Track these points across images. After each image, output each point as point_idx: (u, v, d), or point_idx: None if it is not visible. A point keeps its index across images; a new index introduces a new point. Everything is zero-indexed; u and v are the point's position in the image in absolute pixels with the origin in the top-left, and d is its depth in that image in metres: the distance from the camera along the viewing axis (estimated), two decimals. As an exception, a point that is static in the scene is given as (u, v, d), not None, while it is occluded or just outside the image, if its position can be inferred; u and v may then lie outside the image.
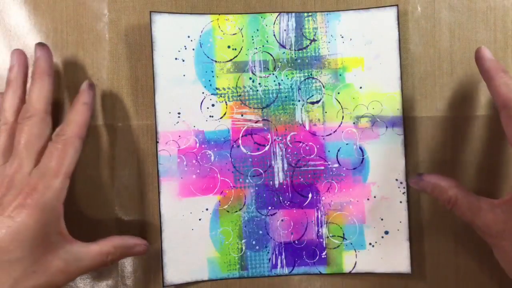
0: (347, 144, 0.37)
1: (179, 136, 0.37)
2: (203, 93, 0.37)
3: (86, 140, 0.37)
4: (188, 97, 0.37)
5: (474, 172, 0.38)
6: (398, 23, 0.37)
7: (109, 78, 0.37)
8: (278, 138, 0.37)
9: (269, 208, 0.37)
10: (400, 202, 0.37)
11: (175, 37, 0.37)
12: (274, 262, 0.37)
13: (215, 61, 0.37)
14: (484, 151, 0.37)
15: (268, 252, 0.37)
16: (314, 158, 0.37)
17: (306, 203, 0.37)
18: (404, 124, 0.37)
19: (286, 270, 0.37)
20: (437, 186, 0.34)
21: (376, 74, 0.37)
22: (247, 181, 0.37)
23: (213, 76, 0.37)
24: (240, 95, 0.37)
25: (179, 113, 0.37)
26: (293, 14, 0.37)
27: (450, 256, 0.38)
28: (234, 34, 0.37)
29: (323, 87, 0.37)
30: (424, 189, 0.35)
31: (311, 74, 0.37)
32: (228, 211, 0.37)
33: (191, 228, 0.37)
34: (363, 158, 0.37)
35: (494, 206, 0.32)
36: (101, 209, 0.37)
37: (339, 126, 0.37)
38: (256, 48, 0.37)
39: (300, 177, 0.37)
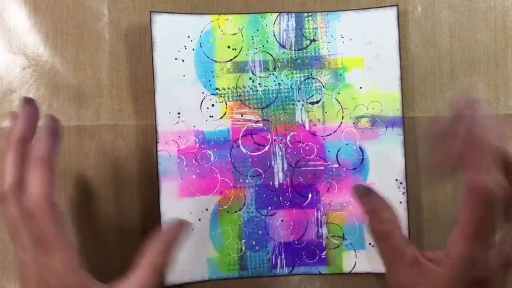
0: (347, 144, 0.37)
1: (179, 136, 0.37)
2: (203, 93, 0.37)
3: (87, 140, 0.37)
4: (188, 97, 0.37)
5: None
6: (398, 23, 0.37)
7: (109, 78, 0.37)
8: (278, 138, 0.37)
9: (269, 208, 0.37)
10: (400, 202, 0.37)
11: (175, 37, 0.37)
12: (274, 262, 0.37)
13: (215, 61, 0.37)
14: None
15: (268, 252, 0.37)
16: (314, 158, 0.37)
17: (306, 203, 0.37)
18: (404, 124, 0.37)
19: (286, 270, 0.37)
20: (376, 212, 0.29)
21: (376, 74, 0.37)
22: (247, 181, 0.37)
23: (213, 76, 0.37)
24: (240, 95, 0.37)
25: (179, 113, 0.37)
26: (293, 14, 0.37)
27: (450, 256, 0.38)
28: (234, 34, 0.37)
29: (323, 87, 0.37)
30: (362, 203, 0.30)
31: (311, 74, 0.37)
32: (228, 211, 0.37)
33: (191, 228, 0.37)
34: (363, 158, 0.37)
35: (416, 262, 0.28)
36: (101, 209, 0.37)
37: (339, 126, 0.37)
38: (256, 48, 0.37)
39: (300, 177, 0.37)
